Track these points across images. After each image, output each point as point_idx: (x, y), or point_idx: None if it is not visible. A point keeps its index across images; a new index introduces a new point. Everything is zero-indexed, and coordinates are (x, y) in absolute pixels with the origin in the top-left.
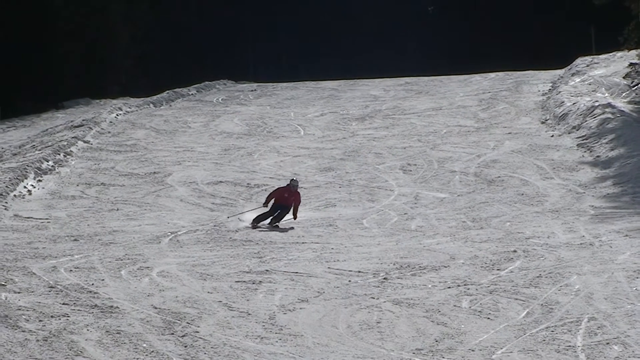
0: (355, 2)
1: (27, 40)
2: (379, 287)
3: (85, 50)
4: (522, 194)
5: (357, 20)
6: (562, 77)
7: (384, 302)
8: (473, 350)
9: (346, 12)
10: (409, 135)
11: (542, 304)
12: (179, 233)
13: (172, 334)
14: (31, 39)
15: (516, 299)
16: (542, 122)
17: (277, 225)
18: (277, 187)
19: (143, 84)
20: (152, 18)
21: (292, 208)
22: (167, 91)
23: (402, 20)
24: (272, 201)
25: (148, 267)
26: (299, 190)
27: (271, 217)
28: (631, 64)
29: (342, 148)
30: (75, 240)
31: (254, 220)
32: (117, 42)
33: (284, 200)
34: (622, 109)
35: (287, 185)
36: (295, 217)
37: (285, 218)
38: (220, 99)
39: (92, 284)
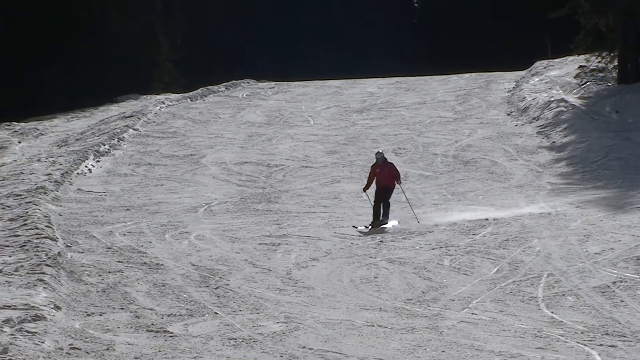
0: (345, 11)
1: (88, 49)
2: (376, 248)
3: (135, 56)
4: (492, 173)
5: (346, 27)
6: (524, 77)
7: (380, 260)
8: (453, 300)
9: (336, 20)
10: (399, 125)
11: (509, 263)
12: (212, 204)
13: (207, 286)
14: (91, 49)
15: (488, 258)
16: (508, 114)
17: (385, 223)
18: (370, 167)
19: (181, 83)
20: (187, 29)
21: (395, 179)
22: (201, 88)
23: (392, 28)
24: (375, 185)
25: (187, 232)
26: (389, 161)
27: (381, 202)
28: (580, 67)
29: (345, 135)
30: (127, 209)
31: (374, 221)
32: (160, 48)
33: (380, 179)
34: (573, 103)
35: (375, 162)
36: (399, 182)
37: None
38: (244, 95)
39: (142, 246)
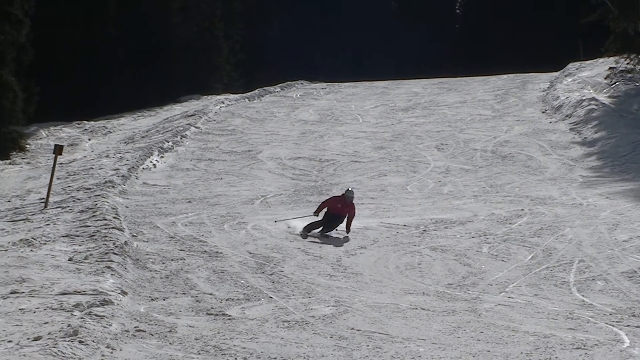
0: (389, 21)
1: (154, 52)
2: (419, 237)
3: (197, 59)
4: (528, 166)
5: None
6: (557, 77)
7: (424, 248)
8: (491, 285)
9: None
10: (441, 122)
11: (543, 250)
12: (268, 196)
13: (263, 272)
14: (157, 51)
15: (524, 246)
16: (543, 112)
17: (327, 235)
18: (330, 195)
19: (240, 84)
20: (245, 34)
21: (346, 220)
22: (258, 89)
23: (431, 33)
24: (325, 210)
25: (244, 222)
26: (354, 202)
27: (322, 227)
28: (610, 68)
29: (391, 132)
30: (189, 202)
31: (304, 228)
32: (220, 52)
33: (337, 211)
34: (604, 102)
35: (342, 195)
36: (347, 230)
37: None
38: (298, 95)
39: (202, 235)
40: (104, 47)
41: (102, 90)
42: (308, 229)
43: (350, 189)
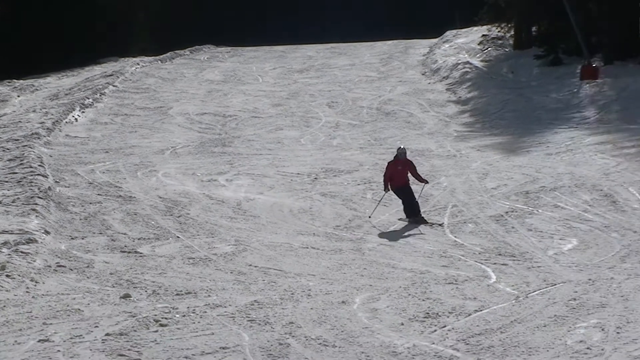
0: None
1: (75, 19)
2: (311, 184)
3: (115, 25)
4: (409, 122)
5: None
6: (436, 43)
7: (315, 194)
8: (375, 227)
9: None
10: (332, 83)
11: (420, 196)
12: (177, 147)
13: (172, 215)
14: (78, 19)
15: None
16: (423, 74)
17: (422, 218)
18: (387, 164)
19: (154, 48)
20: (161, 2)
21: (412, 175)
22: (170, 52)
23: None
24: (395, 187)
25: (155, 170)
26: (408, 158)
27: (409, 203)
28: (483, 35)
29: (288, 91)
30: (106, 152)
31: (410, 218)
32: (136, 19)
33: (400, 178)
34: (477, 65)
35: (395, 157)
36: (424, 181)
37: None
38: (205, 58)
39: (118, 181)
40: (33, 13)
41: (30, 52)
42: (410, 215)
43: (401, 147)
